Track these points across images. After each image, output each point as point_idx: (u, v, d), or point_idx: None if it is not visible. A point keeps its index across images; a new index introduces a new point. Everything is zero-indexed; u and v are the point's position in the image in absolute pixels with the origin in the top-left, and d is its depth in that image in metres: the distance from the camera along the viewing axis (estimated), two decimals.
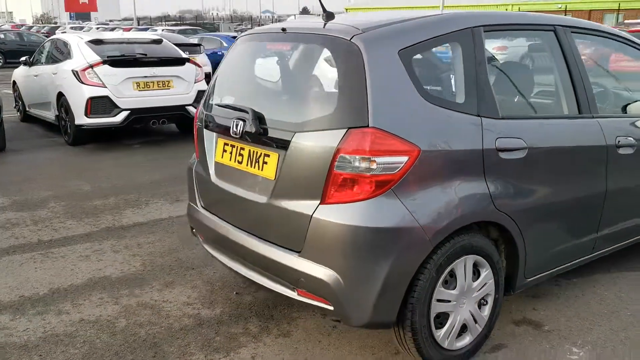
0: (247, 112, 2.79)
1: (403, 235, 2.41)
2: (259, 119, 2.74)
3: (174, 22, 63.90)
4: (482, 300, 2.80)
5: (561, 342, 3.02)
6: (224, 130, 3.02)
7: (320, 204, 2.49)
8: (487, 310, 2.82)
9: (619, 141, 3.22)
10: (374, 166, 2.37)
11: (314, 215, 2.49)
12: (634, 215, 3.50)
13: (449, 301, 2.64)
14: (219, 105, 3.15)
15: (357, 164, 2.38)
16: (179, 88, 8.14)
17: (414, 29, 2.65)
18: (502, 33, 3.28)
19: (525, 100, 3.13)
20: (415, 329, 2.55)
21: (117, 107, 7.69)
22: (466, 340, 2.77)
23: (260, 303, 3.45)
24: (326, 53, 2.71)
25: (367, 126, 2.38)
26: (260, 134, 2.72)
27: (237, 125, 2.84)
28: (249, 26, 48.98)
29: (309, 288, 2.57)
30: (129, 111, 7.75)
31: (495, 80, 2.89)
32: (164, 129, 9.58)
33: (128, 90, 7.76)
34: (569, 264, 3.22)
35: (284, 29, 2.91)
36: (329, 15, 2.80)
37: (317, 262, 2.50)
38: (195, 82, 8.32)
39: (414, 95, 2.48)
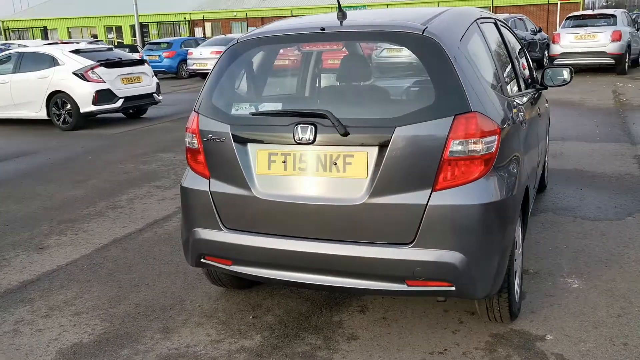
0: (320, 116, 2.68)
1: (510, 205, 2.71)
2: (338, 120, 2.67)
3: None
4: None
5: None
6: (271, 140, 2.82)
7: (432, 191, 2.60)
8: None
9: None
10: (482, 146, 2.60)
11: (429, 203, 2.59)
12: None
13: (516, 259, 3.02)
14: (257, 115, 2.90)
15: (469, 147, 2.58)
16: (145, 81, 11.51)
17: (454, 22, 2.92)
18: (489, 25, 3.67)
19: (506, 82, 3.66)
20: (510, 290, 2.87)
21: (116, 96, 10.78)
22: (518, 291, 3.19)
23: (288, 317, 3.30)
24: (400, 48, 2.79)
25: (470, 111, 2.59)
26: (344, 135, 2.66)
27: (305, 131, 2.70)
28: None
29: (426, 275, 2.65)
30: (123, 99, 10.90)
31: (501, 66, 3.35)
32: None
33: (119, 84, 10.84)
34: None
35: (323, 29, 2.86)
36: (344, 14, 2.88)
37: (435, 247, 2.62)
38: (152, 77, 11.75)
39: (479, 79, 2.78)
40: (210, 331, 3.21)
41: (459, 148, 2.57)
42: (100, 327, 3.31)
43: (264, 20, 46.30)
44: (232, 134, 2.90)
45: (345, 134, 2.65)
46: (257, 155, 2.87)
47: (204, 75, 21.52)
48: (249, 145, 2.89)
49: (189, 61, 21.44)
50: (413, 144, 2.60)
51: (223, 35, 24.82)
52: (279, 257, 2.88)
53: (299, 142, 2.73)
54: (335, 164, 2.72)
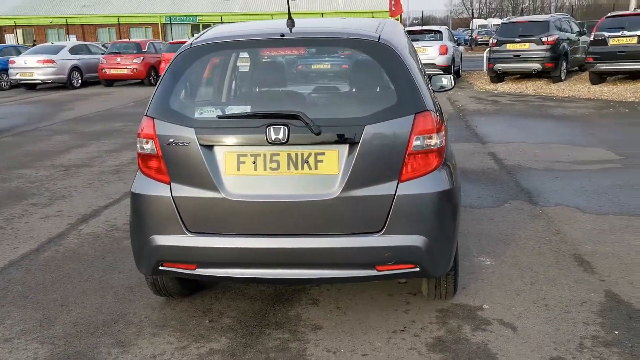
0: (293, 117, 2.82)
1: (458, 192, 3.09)
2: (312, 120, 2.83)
3: None
4: None
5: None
6: (240, 141, 2.89)
7: (398, 182, 2.88)
8: None
9: None
10: (436, 141, 2.94)
11: (397, 194, 2.87)
12: None
13: None
14: (225, 117, 2.93)
15: (426, 141, 2.90)
16: None
17: (395, 32, 3.24)
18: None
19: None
20: (456, 268, 3.25)
21: None
22: None
23: (244, 317, 3.34)
24: (358, 53, 3.01)
25: (426, 110, 2.93)
26: (317, 134, 2.82)
27: (278, 131, 2.82)
28: None
29: (395, 259, 2.91)
30: None
31: None
32: None
33: None
34: None
35: (282, 35, 3.00)
36: (292, 22, 3.09)
37: (403, 233, 2.90)
38: None
39: (424, 82, 3.12)
40: (171, 339, 3.15)
41: (420, 143, 2.88)
42: (44, 350, 3.08)
43: (85, 28, 43.78)
44: (198, 137, 2.91)
45: (318, 134, 2.82)
46: (225, 157, 2.92)
47: (30, 86, 19.76)
48: (216, 148, 2.92)
49: (10, 71, 19.51)
50: (381, 141, 2.85)
51: (50, 43, 22.92)
52: (250, 256, 2.95)
53: (272, 143, 2.83)
54: (307, 161, 2.87)
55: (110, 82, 20.66)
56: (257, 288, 3.70)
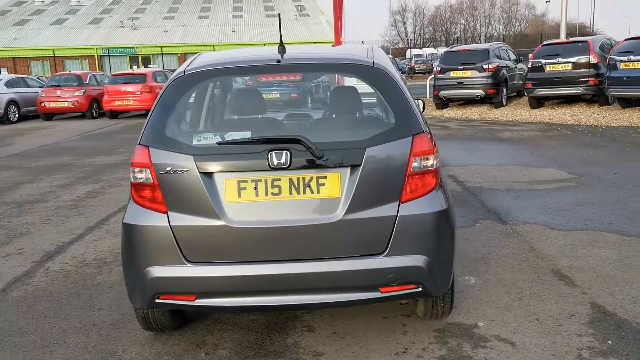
0: (295, 141, 2.82)
1: (454, 211, 3.15)
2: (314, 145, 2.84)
3: None
4: None
5: None
6: (240, 167, 2.86)
7: (400, 203, 2.92)
8: None
9: None
10: (432, 162, 3.01)
11: (399, 214, 2.90)
12: None
13: None
14: (224, 144, 2.89)
15: (424, 162, 2.96)
16: None
17: (385, 57, 3.32)
18: None
19: None
20: (453, 287, 3.30)
21: None
22: None
23: (241, 348, 3.26)
24: (354, 78, 3.05)
25: (423, 132, 2.99)
26: (319, 158, 2.83)
27: (280, 156, 2.81)
28: None
29: (398, 280, 2.93)
30: None
31: None
32: None
33: None
34: None
35: (278, 61, 3.02)
36: (284, 48, 3.13)
37: (405, 254, 2.92)
38: None
39: (414, 102, 3.20)
40: None
41: (418, 164, 2.93)
42: None
43: (16, 61, 42.33)
44: (197, 165, 2.86)
45: (320, 157, 2.83)
46: (226, 184, 2.88)
47: None
48: (216, 175, 2.88)
49: None
50: (381, 163, 2.89)
51: None
52: (253, 284, 2.90)
53: (274, 168, 2.82)
54: (309, 185, 2.87)
55: (50, 115, 20.03)
56: (248, 317, 3.63)
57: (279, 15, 3.18)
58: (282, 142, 2.84)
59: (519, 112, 14.97)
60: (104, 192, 7.66)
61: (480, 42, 69.46)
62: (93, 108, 19.94)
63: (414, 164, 2.92)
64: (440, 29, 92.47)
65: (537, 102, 15.36)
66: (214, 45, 41.96)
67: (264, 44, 41.13)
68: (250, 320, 3.59)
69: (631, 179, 7.01)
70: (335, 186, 2.87)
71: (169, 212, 2.91)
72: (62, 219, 6.35)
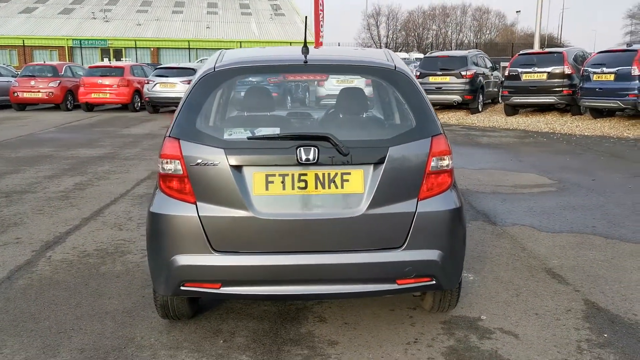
0: (323, 138, 2.96)
1: (464, 209, 3.33)
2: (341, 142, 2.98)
3: None
4: None
5: None
6: (269, 161, 2.98)
7: (418, 200, 3.09)
8: None
9: None
10: (448, 162, 3.18)
11: (418, 211, 3.07)
12: None
13: None
14: (255, 138, 3.01)
15: (441, 162, 3.14)
16: None
17: (400, 60, 3.48)
18: None
19: None
20: (461, 281, 3.47)
21: None
22: None
23: (257, 336, 3.37)
24: (379, 80, 3.21)
25: (440, 133, 3.17)
26: (345, 155, 2.98)
27: (308, 152, 2.95)
28: None
29: (415, 273, 3.10)
30: None
31: None
32: None
33: None
34: None
35: (305, 61, 3.15)
36: (307, 49, 3.28)
37: (422, 248, 3.09)
38: None
39: (430, 105, 3.37)
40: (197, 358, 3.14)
41: (436, 164, 3.11)
42: None
43: None
44: (228, 158, 2.98)
45: (347, 154, 2.97)
46: (254, 177, 3.00)
47: None
48: (245, 168, 3.00)
49: None
50: (403, 161, 3.05)
51: None
52: (276, 273, 3.02)
53: (301, 163, 2.95)
54: (334, 181, 3.01)
55: (23, 106, 19.65)
56: (260, 308, 3.74)
57: (306, 17, 3.31)
58: (310, 138, 2.97)
59: (495, 118, 15.37)
60: (92, 184, 7.65)
61: (452, 49, 70.45)
62: (68, 100, 19.66)
63: (432, 164, 3.09)
64: (412, 34, 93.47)
65: (512, 110, 15.80)
66: (188, 41, 41.64)
67: (240, 43, 41.08)
68: (262, 311, 3.71)
69: (608, 186, 7.35)
70: (359, 182, 3.02)
71: (197, 203, 3.01)
72: (55, 210, 6.34)
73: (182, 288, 3.08)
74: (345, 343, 3.30)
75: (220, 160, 2.98)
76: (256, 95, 3.54)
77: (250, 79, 3.84)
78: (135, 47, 42.50)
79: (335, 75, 3.55)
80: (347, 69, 3.35)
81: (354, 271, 3.03)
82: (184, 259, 3.03)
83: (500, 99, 16.77)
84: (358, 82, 3.44)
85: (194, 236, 3.01)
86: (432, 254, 3.08)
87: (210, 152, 2.99)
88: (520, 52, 16.15)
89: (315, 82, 5.80)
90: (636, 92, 12.53)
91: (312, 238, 3.01)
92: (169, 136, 3.08)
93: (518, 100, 15.22)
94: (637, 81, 12.63)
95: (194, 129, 3.06)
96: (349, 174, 3.02)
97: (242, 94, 3.49)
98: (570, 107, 15.01)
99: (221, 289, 3.06)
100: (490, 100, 18.40)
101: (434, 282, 3.14)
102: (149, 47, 44.69)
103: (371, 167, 3.03)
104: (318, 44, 20.08)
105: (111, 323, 3.58)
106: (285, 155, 2.96)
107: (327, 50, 3.65)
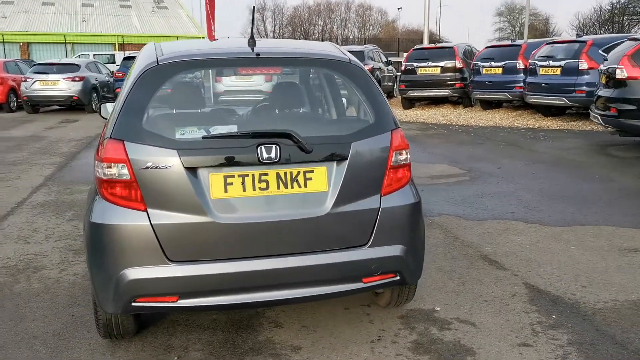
0: (284, 136, 2.80)
1: (421, 204, 3.31)
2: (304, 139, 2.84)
3: None
4: None
5: None
6: (228, 162, 2.78)
7: (381, 196, 3.03)
8: None
9: None
10: (406, 156, 3.15)
11: (381, 207, 3.01)
12: None
13: None
14: (210, 137, 2.78)
15: (401, 156, 3.10)
16: None
17: (345, 51, 3.40)
18: None
19: None
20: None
21: None
22: None
23: (213, 348, 3.15)
24: (332, 73, 3.08)
25: (398, 127, 3.13)
26: (308, 152, 2.84)
27: (270, 151, 2.78)
28: None
29: (380, 270, 3.03)
30: None
31: None
32: None
33: None
34: None
35: (258, 54, 2.97)
36: (254, 42, 3.14)
37: (386, 244, 3.04)
38: None
39: (385, 98, 3.32)
40: None
41: (396, 158, 3.06)
42: None
43: None
44: (182, 160, 2.73)
45: (310, 152, 2.84)
46: (211, 179, 2.78)
47: None
48: (200, 170, 2.77)
49: None
50: (366, 157, 2.97)
51: None
52: (240, 280, 2.83)
53: (262, 162, 2.78)
54: (297, 180, 2.87)
55: None
56: (209, 317, 3.52)
57: (254, 7, 3.11)
58: (271, 135, 2.81)
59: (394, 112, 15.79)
60: None
61: (340, 45, 71.86)
62: None
63: (394, 158, 3.03)
64: (299, 29, 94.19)
65: (409, 103, 16.33)
66: (64, 35, 38.96)
67: (123, 37, 39.17)
68: (211, 320, 3.48)
69: (514, 173, 7.76)
70: (323, 180, 2.90)
71: (148, 210, 2.75)
72: None
73: (133, 304, 2.80)
74: (308, 347, 3.18)
75: (174, 163, 2.73)
76: (188, 92, 3.30)
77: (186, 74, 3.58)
78: (3, 42, 39.13)
79: (288, 68, 3.40)
80: (302, 61, 3.21)
81: (322, 273, 2.91)
82: (135, 272, 2.75)
83: (397, 92, 17.26)
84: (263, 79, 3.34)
85: (146, 246, 2.74)
86: (396, 250, 3.04)
87: (162, 154, 2.73)
88: (415, 47, 16.72)
89: (230, 79, 5.54)
90: (521, 84, 13.38)
91: (276, 241, 2.85)
92: (111, 137, 2.78)
93: (415, 94, 15.75)
94: (522, 74, 13.51)
95: (141, 129, 2.78)
96: (312, 172, 2.89)
97: (169, 90, 3.24)
98: (462, 99, 15.76)
99: (179, 301, 2.82)
100: (386, 95, 18.90)
101: (398, 277, 3.10)
102: (18, 42, 41.30)
103: (334, 164, 2.92)
104: (211, 37, 19.60)
105: (43, 349, 3.20)
106: (244, 154, 2.77)
107: (274, 43, 3.48)
